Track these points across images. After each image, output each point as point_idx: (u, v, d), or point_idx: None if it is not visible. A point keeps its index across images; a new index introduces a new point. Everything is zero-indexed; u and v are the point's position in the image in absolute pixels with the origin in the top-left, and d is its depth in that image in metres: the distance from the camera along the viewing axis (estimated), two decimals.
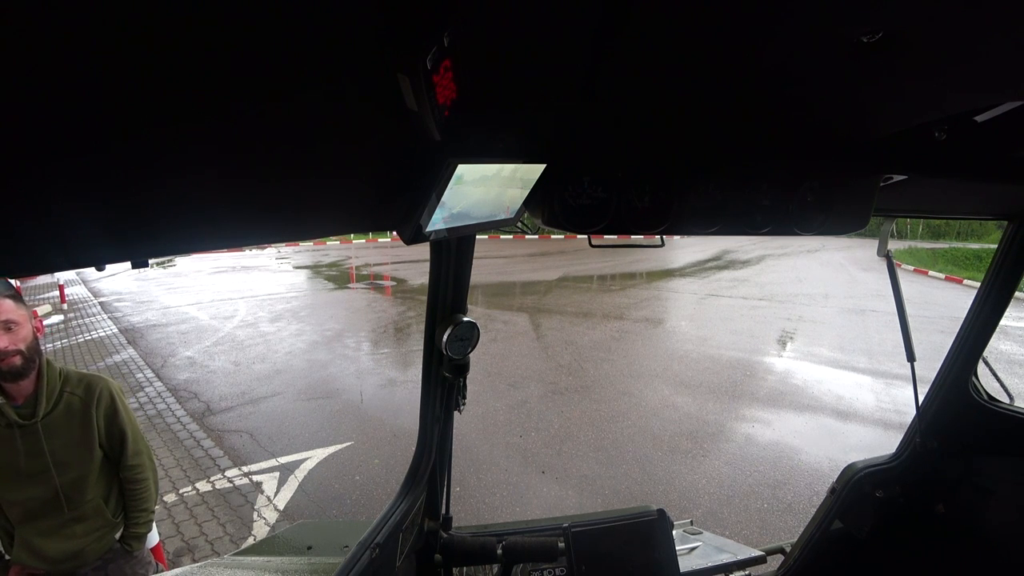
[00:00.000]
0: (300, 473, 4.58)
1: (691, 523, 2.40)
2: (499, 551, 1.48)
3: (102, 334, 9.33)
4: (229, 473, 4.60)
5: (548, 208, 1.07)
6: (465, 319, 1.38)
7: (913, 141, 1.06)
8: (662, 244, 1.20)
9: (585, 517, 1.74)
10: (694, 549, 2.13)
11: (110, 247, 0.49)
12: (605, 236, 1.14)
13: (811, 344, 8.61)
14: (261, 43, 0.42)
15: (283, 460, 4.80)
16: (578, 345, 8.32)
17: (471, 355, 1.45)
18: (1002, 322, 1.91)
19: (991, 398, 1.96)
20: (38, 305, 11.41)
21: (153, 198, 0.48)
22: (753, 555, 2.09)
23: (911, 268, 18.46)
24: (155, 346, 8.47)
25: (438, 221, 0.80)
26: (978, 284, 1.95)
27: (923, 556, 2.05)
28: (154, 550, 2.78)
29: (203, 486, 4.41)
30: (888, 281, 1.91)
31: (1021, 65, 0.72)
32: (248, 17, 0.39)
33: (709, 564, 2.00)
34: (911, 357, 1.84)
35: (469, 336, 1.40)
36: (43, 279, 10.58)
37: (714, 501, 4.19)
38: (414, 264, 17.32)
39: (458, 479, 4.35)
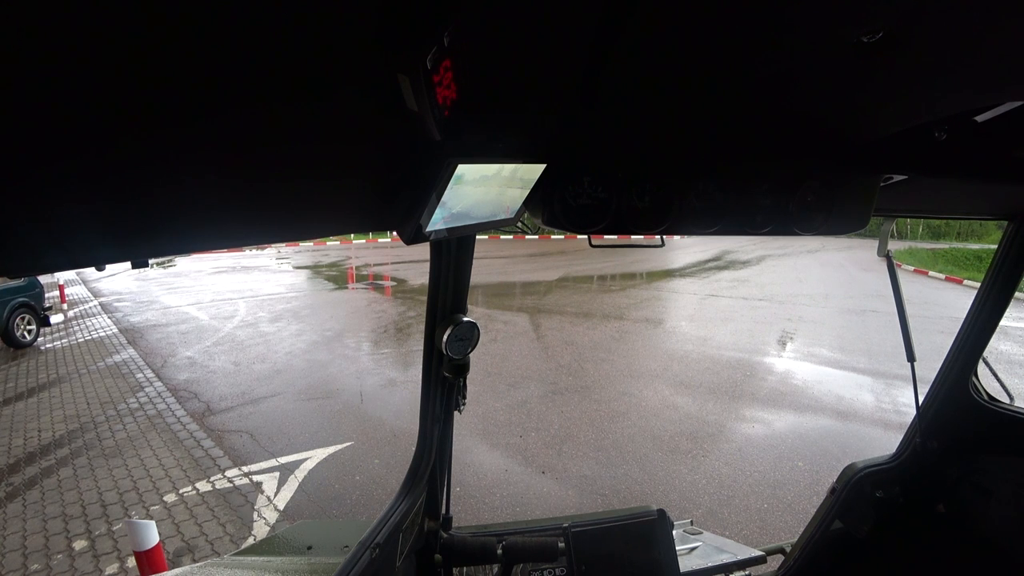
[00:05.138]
0: (300, 473, 4.58)
1: (691, 523, 2.40)
2: (499, 551, 1.48)
3: (102, 334, 9.33)
4: (229, 473, 4.60)
5: (548, 208, 1.07)
6: (465, 319, 1.38)
7: (913, 141, 1.06)
8: (662, 244, 1.20)
9: (585, 517, 1.74)
10: (694, 549, 2.13)
11: (110, 247, 0.49)
12: (605, 236, 1.14)
13: (811, 344, 8.61)
14: (261, 43, 0.42)
15: (283, 460, 4.80)
16: (578, 345, 8.32)
17: (471, 355, 1.45)
18: (1002, 322, 1.91)
19: (991, 398, 1.95)
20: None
21: (153, 198, 0.48)
22: (753, 555, 2.09)
23: (911, 268, 18.44)
24: (155, 346, 8.48)
25: (438, 221, 0.80)
26: (978, 284, 1.95)
27: (923, 556, 2.05)
28: (154, 550, 2.79)
29: (203, 486, 4.41)
30: (888, 281, 1.91)
31: (1021, 65, 0.72)
32: (248, 17, 0.39)
33: (709, 564, 2.00)
34: (911, 357, 1.84)
35: (469, 336, 1.40)
36: (43, 279, 10.57)
37: (714, 501, 4.18)
38: (414, 264, 17.32)
39: (458, 479, 4.35)
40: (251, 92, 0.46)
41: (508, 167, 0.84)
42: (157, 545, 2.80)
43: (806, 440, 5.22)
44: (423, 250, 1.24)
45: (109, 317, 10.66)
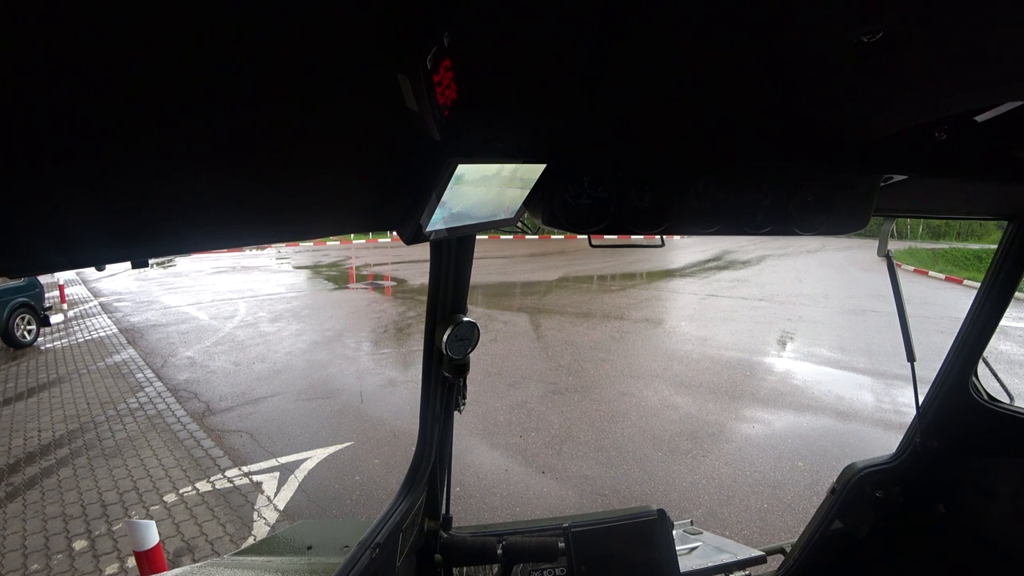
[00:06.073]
0: (300, 473, 4.58)
1: (691, 523, 2.40)
2: (499, 551, 1.48)
3: (102, 334, 9.33)
4: (229, 473, 4.60)
5: (548, 208, 1.07)
6: (465, 319, 1.38)
7: (913, 141, 1.06)
8: (662, 244, 1.20)
9: (585, 517, 1.74)
10: (694, 549, 2.13)
11: (110, 247, 0.49)
12: (605, 236, 1.14)
13: (811, 344, 8.61)
14: (261, 44, 0.42)
15: (283, 460, 4.80)
16: (578, 345, 8.32)
17: (471, 355, 1.45)
18: (1002, 322, 1.91)
19: (991, 398, 1.95)
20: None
21: (153, 198, 0.48)
22: (753, 555, 2.09)
23: (911, 268, 18.44)
24: (155, 346, 8.47)
25: (438, 221, 0.80)
26: (978, 284, 1.95)
27: (923, 556, 2.05)
28: (154, 550, 2.79)
29: (203, 486, 4.41)
30: (888, 281, 1.91)
31: (1021, 65, 0.72)
32: (248, 18, 0.39)
33: (709, 564, 2.00)
34: (911, 357, 1.83)
35: (469, 336, 1.40)
36: (43, 279, 10.57)
37: (714, 501, 4.18)
38: (414, 264, 17.31)
39: (458, 479, 4.35)
40: (251, 92, 0.46)
41: (508, 167, 0.84)
42: (157, 545, 2.80)
43: (806, 440, 5.22)
44: (423, 250, 1.24)
45: (109, 317, 10.65)
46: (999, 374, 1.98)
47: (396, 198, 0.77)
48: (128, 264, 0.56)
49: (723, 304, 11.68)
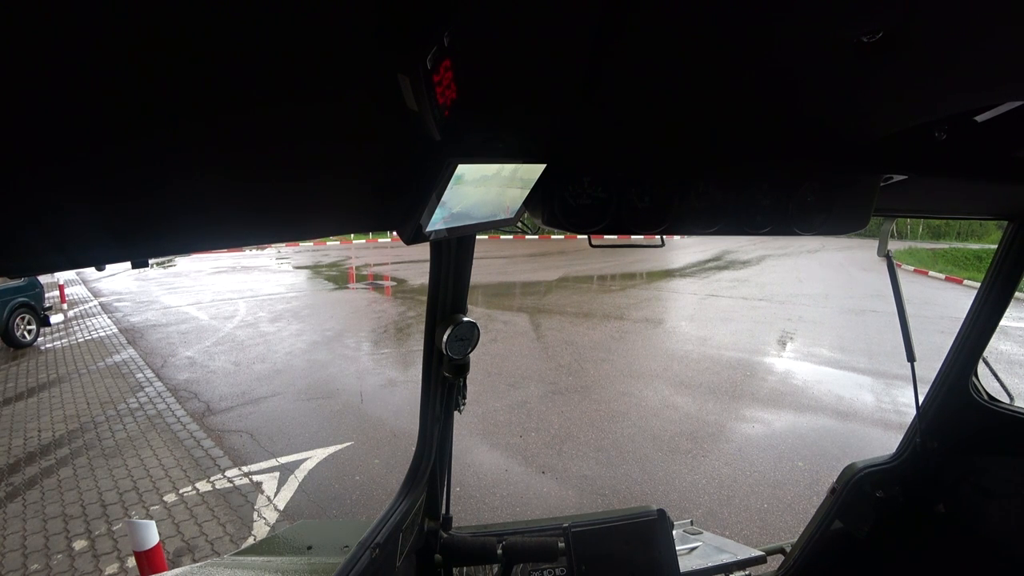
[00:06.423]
0: (300, 473, 4.58)
1: (691, 523, 2.40)
2: (499, 551, 1.48)
3: (102, 334, 9.33)
4: (229, 473, 4.60)
5: (548, 208, 1.07)
6: (465, 319, 1.38)
7: (913, 141, 1.06)
8: (662, 244, 1.20)
9: (585, 517, 1.74)
10: (694, 549, 2.13)
11: (110, 247, 0.49)
12: (605, 236, 1.14)
13: (811, 344, 8.61)
14: (261, 43, 0.42)
15: (283, 460, 4.80)
16: (578, 345, 8.32)
17: (471, 355, 1.45)
18: (1002, 322, 1.91)
19: (991, 398, 1.96)
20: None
21: (153, 198, 0.48)
22: (753, 555, 2.09)
23: (911, 268, 18.44)
24: (155, 346, 8.47)
25: (438, 221, 0.80)
26: (978, 284, 1.95)
27: (923, 556, 2.05)
28: (154, 550, 2.79)
29: (203, 486, 4.41)
30: (888, 281, 1.91)
31: (1021, 65, 0.72)
32: (248, 18, 0.39)
33: (709, 564, 2.00)
34: (911, 357, 1.84)
35: (469, 336, 1.40)
36: (43, 279, 10.57)
37: (714, 501, 4.18)
38: (414, 264, 17.31)
39: (458, 479, 4.35)
40: (251, 92, 0.46)
41: (508, 167, 0.84)
42: (157, 545, 2.80)
43: (806, 440, 5.22)
44: (423, 250, 1.24)
45: (109, 317, 10.65)
46: (999, 374, 1.98)
47: (396, 198, 0.77)
48: (128, 264, 0.56)
49: (723, 304, 11.68)
